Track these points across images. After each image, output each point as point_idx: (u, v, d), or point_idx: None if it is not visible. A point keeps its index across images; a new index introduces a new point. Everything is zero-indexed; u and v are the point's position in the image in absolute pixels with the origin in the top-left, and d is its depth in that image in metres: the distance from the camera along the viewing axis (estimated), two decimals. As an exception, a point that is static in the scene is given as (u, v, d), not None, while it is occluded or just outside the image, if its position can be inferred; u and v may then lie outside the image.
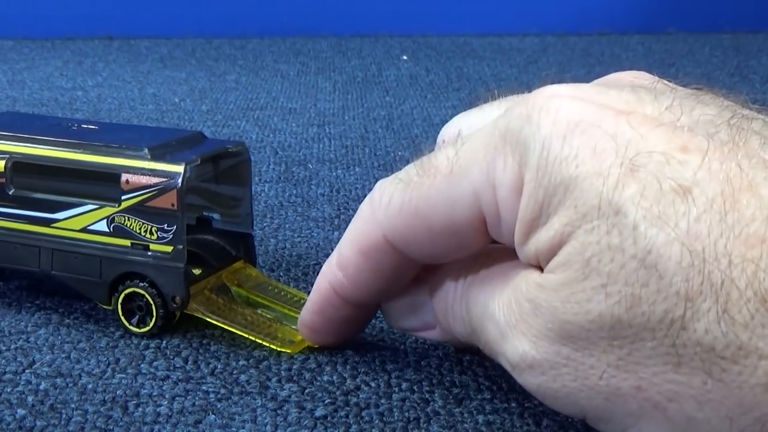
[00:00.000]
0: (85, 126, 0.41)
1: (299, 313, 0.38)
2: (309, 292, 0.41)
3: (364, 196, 0.34)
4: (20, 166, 0.39)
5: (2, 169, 0.39)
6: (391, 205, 0.32)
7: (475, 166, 0.30)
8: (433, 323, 0.35)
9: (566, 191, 0.27)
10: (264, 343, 0.37)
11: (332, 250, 0.48)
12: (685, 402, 0.26)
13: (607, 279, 0.26)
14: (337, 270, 0.35)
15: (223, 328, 0.37)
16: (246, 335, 0.37)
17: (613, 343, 0.26)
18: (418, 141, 0.72)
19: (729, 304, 0.24)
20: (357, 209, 0.34)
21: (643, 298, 0.25)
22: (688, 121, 0.27)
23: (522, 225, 0.29)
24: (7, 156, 0.39)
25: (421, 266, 0.34)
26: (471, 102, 0.36)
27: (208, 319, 0.38)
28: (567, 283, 0.27)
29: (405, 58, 1.18)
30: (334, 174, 0.63)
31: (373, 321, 0.40)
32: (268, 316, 0.39)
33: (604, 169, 0.26)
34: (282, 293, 0.40)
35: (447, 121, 0.37)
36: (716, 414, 0.25)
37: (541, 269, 0.29)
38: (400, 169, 0.33)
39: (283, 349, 0.37)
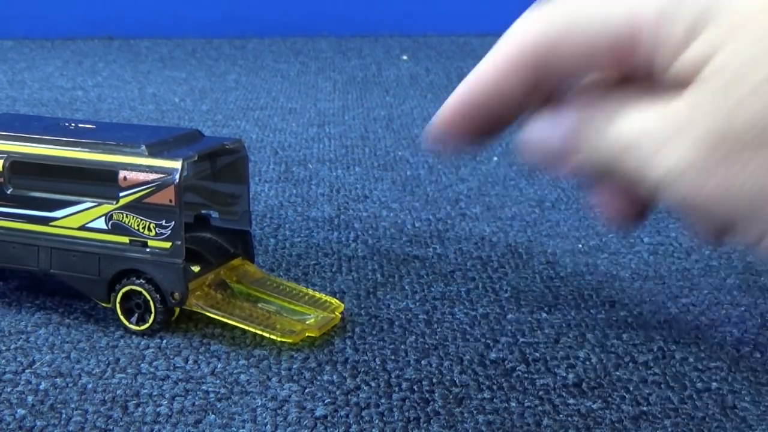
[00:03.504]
0: (82, 125, 0.41)
1: (298, 305, 0.39)
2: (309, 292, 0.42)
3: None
4: (18, 165, 0.39)
5: (0, 169, 0.39)
6: (543, 18, 0.33)
7: None
8: (571, 146, 0.34)
9: (712, 14, 0.29)
10: (264, 334, 0.37)
11: (332, 250, 0.48)
12: None
13: (760, 83, 0.27)
14: (480, 74, 0.33)
15: (222, 322, 0.38)
16: (245, 327, 0.37)
17: (763, 146, 0.28)
18: (418, 141, 0.72)
19: None
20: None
21: None
22: None
23: (666, 52, 0.30)
24: (5, 156, 0.39)
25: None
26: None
27: (208, 314, 0.38)
28: (719, 91, 0.28)
29: (405, 58, 1.18)
30: (334, 174, 0.63)
31: (373, 321, 0.40)
32: (268, 309, 0.39)
33: None
34: (281, 287, 0.41)
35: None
36: None
37: None
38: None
39: (283, 339, 0.37)
